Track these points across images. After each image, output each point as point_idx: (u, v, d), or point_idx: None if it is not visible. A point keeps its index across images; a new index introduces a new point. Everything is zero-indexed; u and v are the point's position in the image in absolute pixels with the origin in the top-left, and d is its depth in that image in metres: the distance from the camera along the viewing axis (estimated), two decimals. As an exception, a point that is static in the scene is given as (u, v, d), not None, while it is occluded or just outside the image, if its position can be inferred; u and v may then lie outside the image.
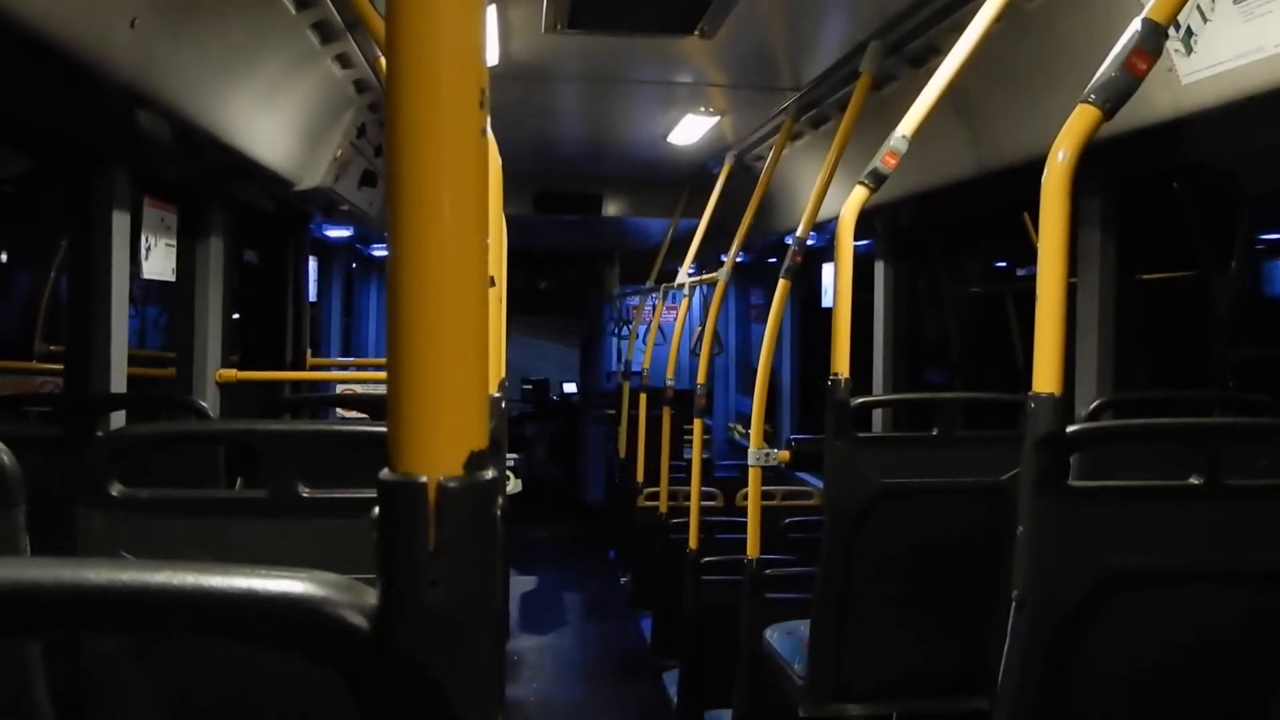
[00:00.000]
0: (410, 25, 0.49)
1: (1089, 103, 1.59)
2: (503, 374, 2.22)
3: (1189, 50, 2.33)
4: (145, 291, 6.86)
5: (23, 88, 2.28)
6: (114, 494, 1.46)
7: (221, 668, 1.57)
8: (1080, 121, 1.60)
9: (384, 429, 0.52)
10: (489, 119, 0.51)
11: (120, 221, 2.93)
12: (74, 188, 2.87)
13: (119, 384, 2.94)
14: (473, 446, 0.51)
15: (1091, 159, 2.74)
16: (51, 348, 4.95)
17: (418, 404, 0.51)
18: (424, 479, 0.51)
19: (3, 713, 1.37)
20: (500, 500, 0.52)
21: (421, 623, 0.50)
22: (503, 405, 1.56)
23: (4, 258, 6.52)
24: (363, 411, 2.85)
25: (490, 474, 0.52)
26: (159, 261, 3.54)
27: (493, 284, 1.56)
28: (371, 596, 0.51)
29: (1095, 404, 2.65)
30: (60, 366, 3.58)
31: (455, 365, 0.51)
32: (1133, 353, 3.17)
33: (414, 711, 0.51)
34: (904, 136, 2.57)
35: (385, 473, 0.51)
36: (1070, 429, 1.61)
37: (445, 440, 0.51)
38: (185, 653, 1.55)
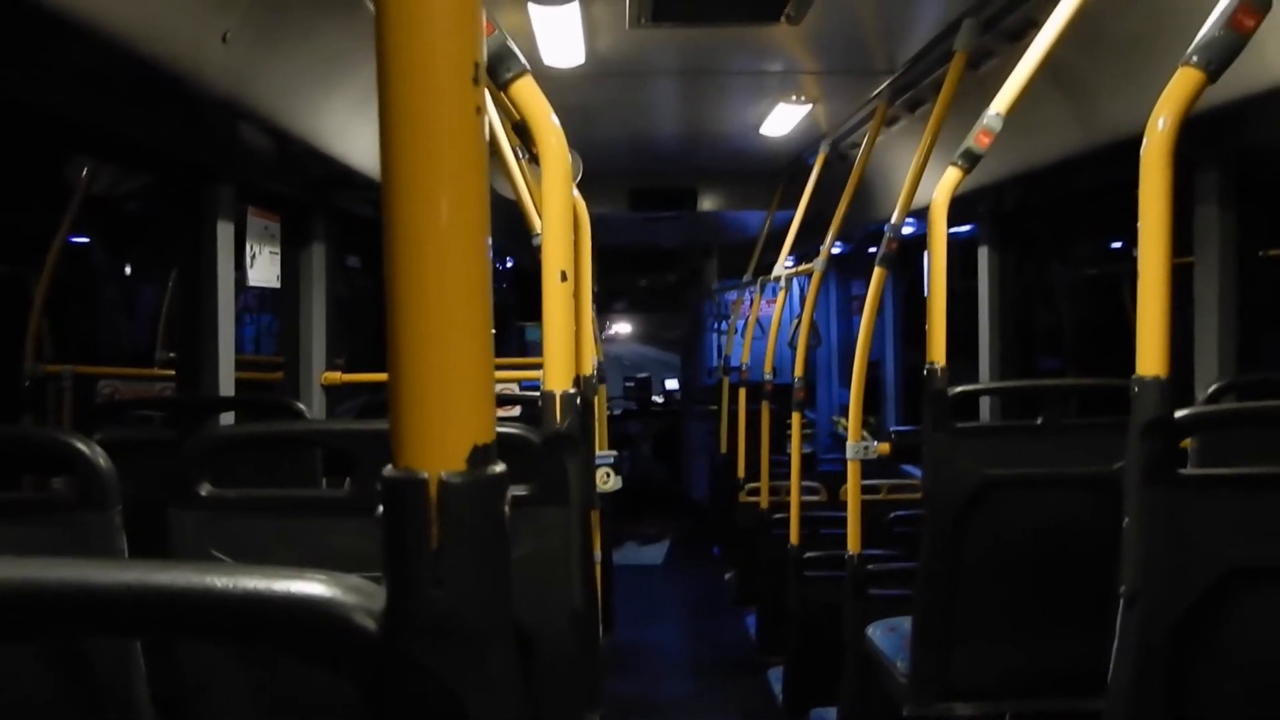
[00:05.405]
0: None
1: (1191, 65, 1.49)
2: (587, 370, 2.20)
3: (1311, 5, 2.17)
4: (261, 300, 7.12)
5: (124, 105, 2.37)
6: (203, 494, 1.49)
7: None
8: (1181, 85, 1.49)
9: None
10: (486, 96, 0.48)
11: (225, 232, 3.02)
12: (179, 200, 2.97)
13: (227, 387, 3.03)
14: (476, 440, 0.49)
15: (1205, 128, 2.59)
16: (171, 355, 5.17)
17: (417, 396, 0.48)
18: (425, 475, 0.49)
19: (109, 712, 1.42)
20: (508, 496, 0.50)
21: (427, 625, 0.47)
22: (576, 402, 1.54)
23: (128, 271, 6.86)
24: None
25: (498, 469, 0.49)
26: (264, 269, 3.64)
27: (564, 279, 1.54)
28: (382, 598, 0.48)
29: (1215, 387, 2.48)
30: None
31: (456, 356, 0.49)
32: (1261, 334, 2.97)
33: None
34: (998, 114, 2.47)
35: (388, 469, 0.49)
36: (1179, 413, 1.51)
37: (447, 434, 0.49)
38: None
